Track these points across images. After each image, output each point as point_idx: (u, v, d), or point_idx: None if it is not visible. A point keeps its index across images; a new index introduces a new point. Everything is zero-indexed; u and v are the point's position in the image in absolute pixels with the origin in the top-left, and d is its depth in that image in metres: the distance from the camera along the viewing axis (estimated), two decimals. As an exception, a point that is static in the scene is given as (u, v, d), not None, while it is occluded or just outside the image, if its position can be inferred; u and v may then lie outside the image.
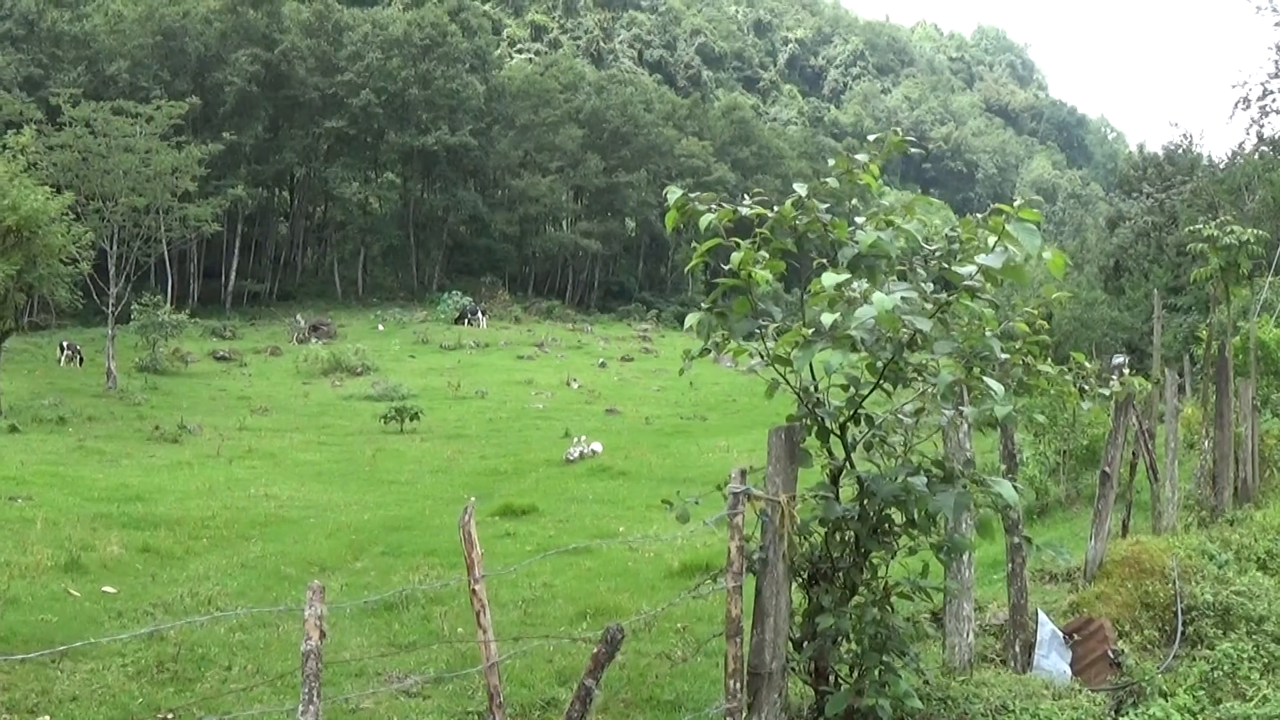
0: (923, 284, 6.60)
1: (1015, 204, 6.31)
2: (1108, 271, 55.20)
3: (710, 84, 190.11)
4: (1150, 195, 57.97)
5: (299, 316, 76.73)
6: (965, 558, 8.52)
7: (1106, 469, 11.04)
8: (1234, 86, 72.09)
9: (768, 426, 6.81)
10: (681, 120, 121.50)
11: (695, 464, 27.55)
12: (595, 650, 5.29)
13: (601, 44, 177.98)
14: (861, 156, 6.87)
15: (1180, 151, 62.13)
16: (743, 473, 6.36)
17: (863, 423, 7.04)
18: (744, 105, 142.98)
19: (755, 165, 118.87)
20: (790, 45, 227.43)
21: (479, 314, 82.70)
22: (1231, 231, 16.54)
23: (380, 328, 77.76)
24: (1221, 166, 52.35)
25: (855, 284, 6.47)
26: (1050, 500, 18.47)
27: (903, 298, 6.12)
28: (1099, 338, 44.12)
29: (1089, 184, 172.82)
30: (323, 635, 4.51)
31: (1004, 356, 6.67)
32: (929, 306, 6.46)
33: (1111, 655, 9.13)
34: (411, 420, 37.95)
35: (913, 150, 7.23)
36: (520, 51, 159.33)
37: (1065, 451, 19.15)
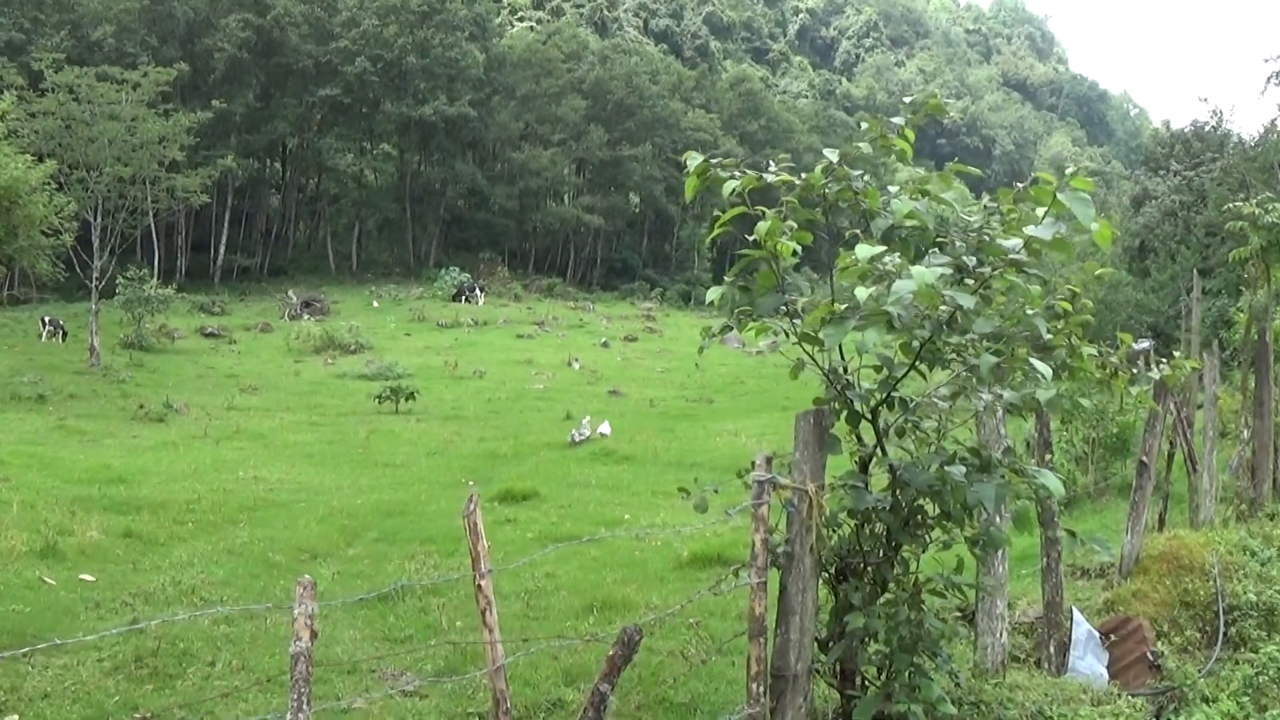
0: (963, 257, 6.35)
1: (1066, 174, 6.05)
2: (1132, 252, 54.80)
3: (718, 55, 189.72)
4: (1178, 173, 57.56)
5: (290, 292, 76.64)
6: (1000, 553, 8.30)
7: (1144, 458, 10.79)
8: (1266, 60, 71.70)
9: (778, 410, 6.66)
10: (688, 92, 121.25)
11: (703, 449, 27.36)
12: (611, 653, 5.05)
13: (605, 12, 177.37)
14: (897, 120, 6.61)
15: (1209, 128, 61.69)
16: (768, 459, 6.13)
17: (896, 407, 6.81)
18: (753, 77, 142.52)
19: (764, 139, 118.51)
20: (801, 15, 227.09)
21: (477, 291, 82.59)
22: (1274, 209, 16.25)
23: (375, 304, 77.64)
24: (1253, 144, 51.93)
25: (889, 257, 6.23)
26: (1078, 491, 18.21)
27: (943, 272, 5.87)
28: (1123, 320, 43.78)
29: (1110, 161, 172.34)
30: (313, 635, 4.25)
31: (1048, 336, 6.42)
32: (970, 282, 6.20)
33: (1150, 657, 8.90)
34: (407, 400, 37.79)
35: (948, 115, 7.00)
36: (521, 19, 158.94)
37: (1093, 439, 18.88)
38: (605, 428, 30.01)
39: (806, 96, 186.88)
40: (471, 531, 5.31)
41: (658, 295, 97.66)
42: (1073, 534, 7.06)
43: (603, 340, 65.89)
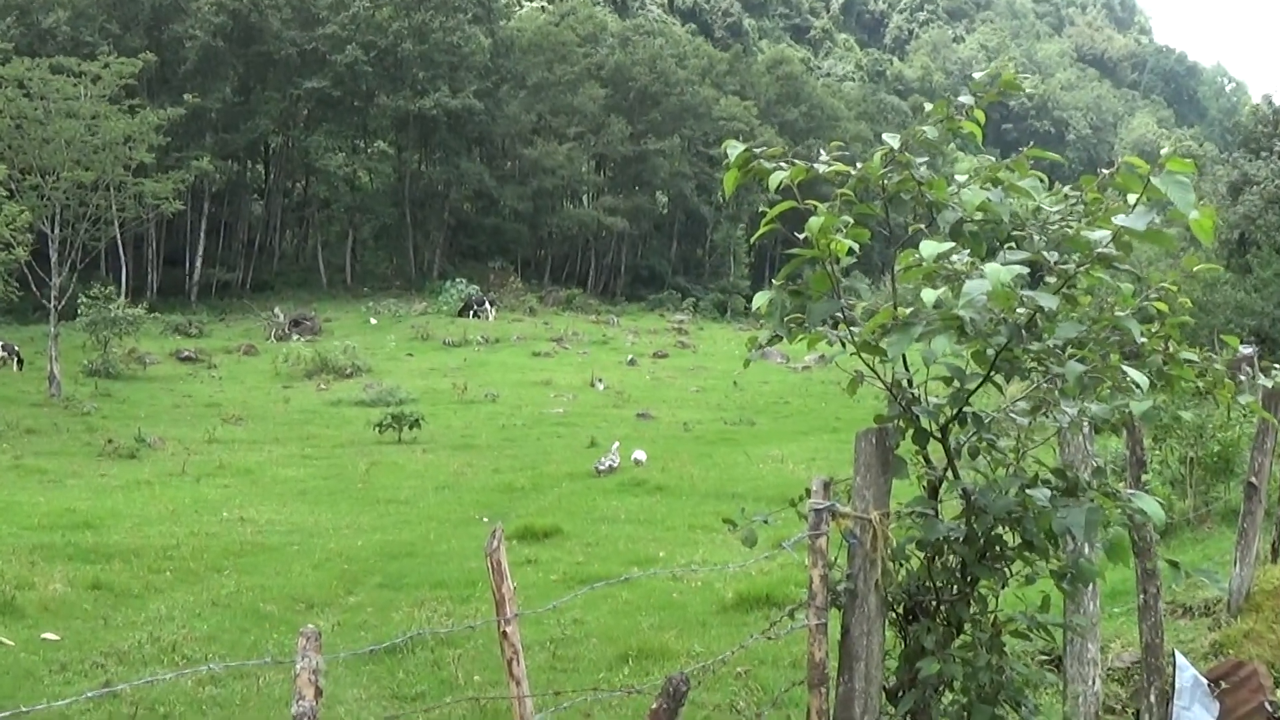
0: (1045, 253, 6.32)
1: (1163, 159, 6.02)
2: (1230, 245, 54.49)
3: (753, 34, 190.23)
4: (1283, 155, 57.28)
5: (277, 310, 76.94)
6: (1091, 588, 8.25)
7: (1253, 479, 10.72)
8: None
9: (828, 432, 6.64)
10: (720, 77, 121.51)
11: (744, 477, 27.34)
12: (654, 707, 5.02)
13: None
14: (965, 99, 6.58)
15: (1319, 103, 61.42)
16: (825, 485, 6.11)
17: (969, 423, 6.78)
18: (792, 59, 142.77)
19: (806, 128, 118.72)
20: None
21: (487, 305, 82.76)
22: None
23: (373, 321, 77.90)
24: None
25: (958, 255, 6.20)
26: (1175, 518, 18.09)
27: (1020, 271, 5.84)
28: (1222, 323, 43.42)
29: (1203, 144, 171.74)
30: (318, 693, 4.25)
31: (1142, 340, 6.38)
32: (1052, 280, 6.17)
33: (1269, 708, 8.81)
34: (411, 429, 37.91)
35: (1023, 93, 6.96)
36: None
37: (1191, 459, 18.74)
38: (640, 454, 30.02)
39: (853, 79, 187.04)
40: (495, 571, 5.31)
41: (690, 306, 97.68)
42: (1175, 565, 7.01)
43: (629, 357, 65.94)
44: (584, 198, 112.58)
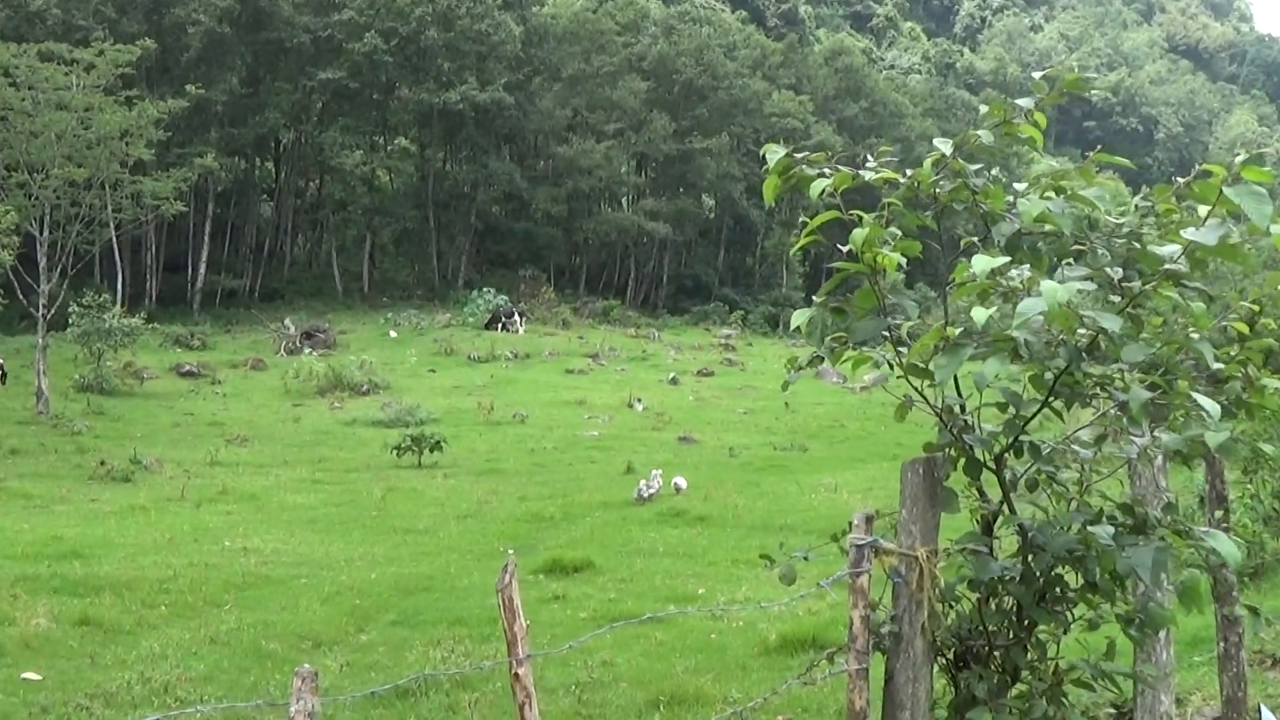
0: (1109, 269, 6.36)
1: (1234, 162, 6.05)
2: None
3: (809, 22, 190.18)
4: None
5: (288, 321, 77.35)
6: (1163, 634, 8.25)
7: (1345, 516, 10.70)
8: None
9: (888, 459, 6.67)
10: (773, 69, 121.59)
11: (794, 507, 27.32)
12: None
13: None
14: (1025, 102, 6.63)
15: None
16: (868, 518, 6.17)
17: (1025, 453, 6.82)
18: (852, 49, 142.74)
19: (867, 126, 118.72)
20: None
21: (516, 317, 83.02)
22: None
23: (392, 334, 78.26)
24: None
25: (1015, 270, 6.26)
26: (1267, 558, 17.99)
27: (1081, 287, 5.87)
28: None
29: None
30: (317, 736, 4.35)
31: (1217, 366, 6.40)
32: (1116, 299, 6.21)
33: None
34: (432, 451, 38.02)
35: (1091, 93, 7.00)
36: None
37: (1283, 493, 18.64)
38: (680, 481, 30.06)
39: (919, 72, 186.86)
40: (507, 609, 5.40)
41: (738, 319, 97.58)
42: (1255, 611, 7.02)
43: (671, 375, 66.01)
44: (623, 200, 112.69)
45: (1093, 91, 6.79)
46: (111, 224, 57.15)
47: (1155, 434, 6.86)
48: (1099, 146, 6.80)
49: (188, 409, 50.41)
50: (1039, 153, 6.83)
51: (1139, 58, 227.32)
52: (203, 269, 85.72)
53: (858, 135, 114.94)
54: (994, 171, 6.69)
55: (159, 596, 17.98)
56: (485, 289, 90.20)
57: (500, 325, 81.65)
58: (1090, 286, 6.05)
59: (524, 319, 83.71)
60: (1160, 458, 7.89)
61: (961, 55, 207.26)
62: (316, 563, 21.51)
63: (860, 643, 6.15)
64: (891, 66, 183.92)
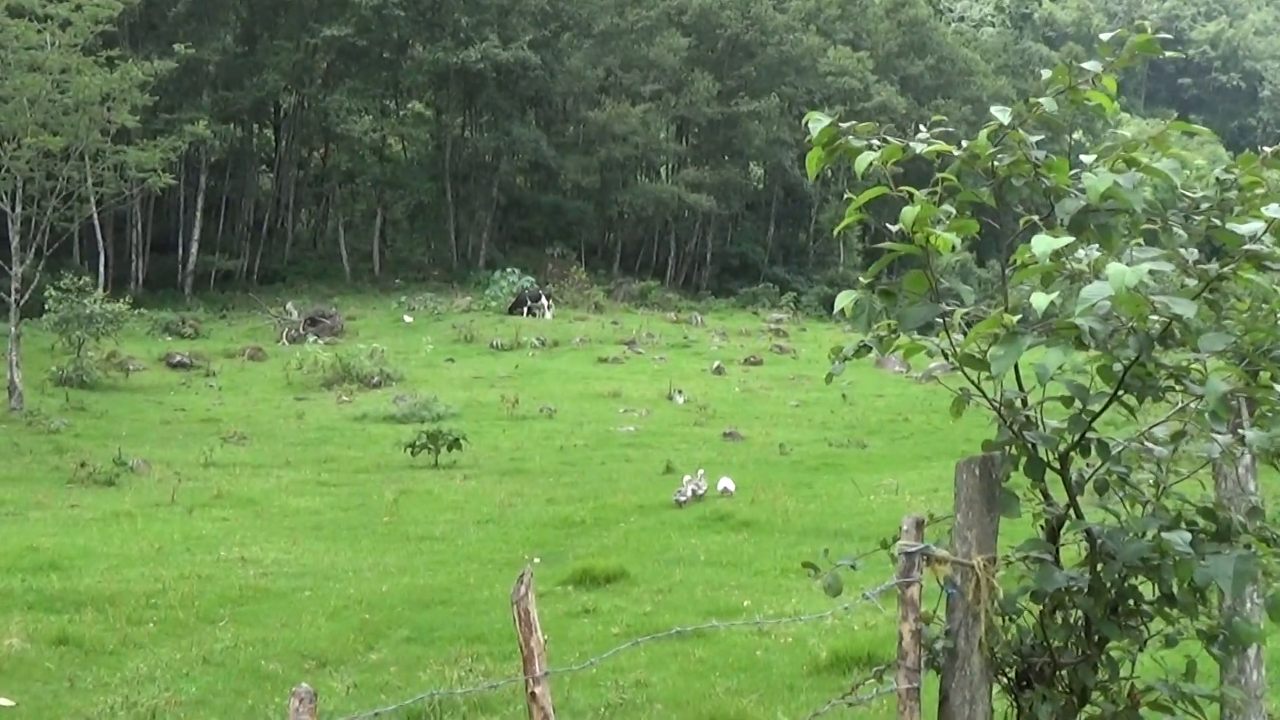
0: (1182, 249, 6.41)
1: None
2: None
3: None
4: None
5: (290, 306, 77.47)
6: (1252, 652, 8.29)
7: None
8: None
9: (955, 457, 6.68)
10: (829, 23, 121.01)
11: (851, 511, 27.28)
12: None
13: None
14: (1092, 65, 6.68)
15: None
16: (919, 523, 6.24)
17: (1093, 452, 6.86)
18: (917, 1, 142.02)
19: (933, 86, 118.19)
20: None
21: (544, 300, 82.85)
22: None
23: (408, 319, 78.27)
24: None
25: (1081, 251, 6.31)
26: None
27: (1152, 270, 5.89)
28: None
29: None
30: (317, 760, 4.47)
31: (1308, 356, 6.45)
32: (1192, 282, 6.26)
33: None
34: (450, 450, 38.02)
35: (1167, 55, 7.04)
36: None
37: (1390, 496, 18.65)
38: (728, 483, 30.04)
39: (992, 24, 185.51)
40: (522, 621, 5.51)
41: (790, 302, 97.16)
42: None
43: (715, 364, 65.90)
44: (662, 170, 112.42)
45: (1159, 54, 6.80)
46: (92, 199, 56.92)
47: (1240, 431, 6.91)
48: (1194, 108, 6.85)
49: (178, 404, 50.45)
50: (1121, 115, 6.84)
51: (1242, 6, 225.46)
52: (194, 249, 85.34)
53: (923, 96, 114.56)
54: (1076, 136, 6.74)
55: (146, 612, 18.03)
56: (509, 269, 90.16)
57: (526, 309, 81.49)
58: (1164, 268, 6.05)
59: (552, 302, 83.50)
60: (1248, 457, 7.90)
61: (1039, 5, 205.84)
62: (321, 574, 21.59)
63: (911, 660, 6.21)
64: (961, 19, 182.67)
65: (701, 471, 30.54)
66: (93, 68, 52.37)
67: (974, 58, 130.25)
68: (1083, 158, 6.66)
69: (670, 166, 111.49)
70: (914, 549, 6.19)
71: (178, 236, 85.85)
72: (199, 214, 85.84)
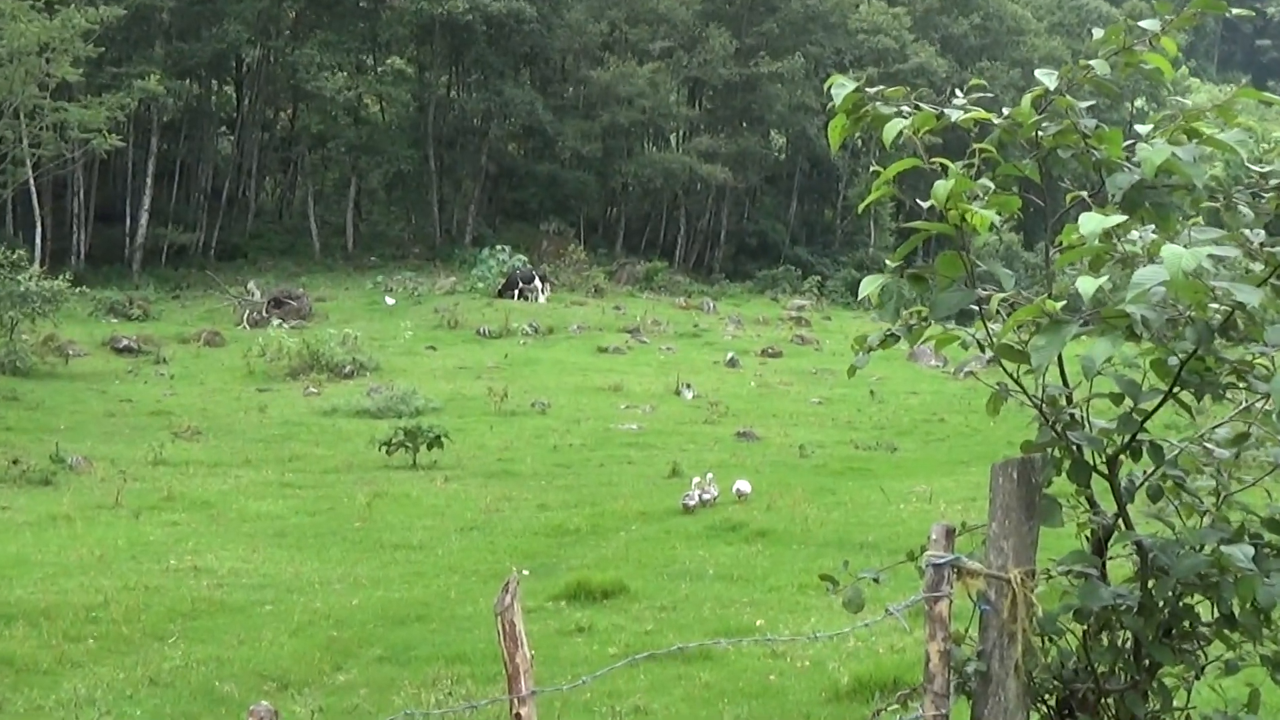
0: (1247, 230, 6.43)
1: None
2: None
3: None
4: None
5: (252, 285, 77.40)
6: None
7: None
8: None
9: (994, 462, 6.68)
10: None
11: (878, 521, 27.31)
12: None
13: None
14: (1149, 24, 6.69)
15: None
16: (949, 531, 6.27)
17: (1145, 455, 6.89)
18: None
19: (978, 46, 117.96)
20: None
21: (538, 282, 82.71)
22: None
23: (390, 301, 78.27)
24: None
25: (1135, 232, 6.34)
26: None
27: (1213, 253, 5.88)
28: None
29: None
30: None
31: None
32: (1259, 267, 6.29)
33: None
34: (430, 448, 37.98)
35: (1235, 13, 7.06)
36: None
37: None
38: (743, 485, 30.05)
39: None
40: (507, 635, 5.55)
41: (813, 287, 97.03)
42: None
43: (729, 356, 65.90)
44: (672, 138, 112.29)
45: (1226, 11, 6.81)
46: (29, 162, 56.77)
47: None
48: (1271, 73, 6.85)
49: (125, 394, 50.35)
50: (1169, 83, 6.84)
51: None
52: (144, 219, 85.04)
53: (966, 58, 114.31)
54: (1137, 104, 6.77)
55: (86, 628, 18.04)
56: (498, 247, 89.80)
57: (517, 292, 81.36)
58: (1228, 252, 6.06)
59: (547, 284, 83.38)
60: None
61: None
62: (285, 585, 21.60)
63: (939, 683, 6.22)
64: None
65: (711, 475, 30.53)
66: (29, 13, 52.15)
67: (1024, 15, 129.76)
68: (1139, 128, 6.66)
69: (681, 134, 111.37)
70: (943, 560, 6.22)
71: (125, 206, 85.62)
72: (149, 180, 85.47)
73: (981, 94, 6.75)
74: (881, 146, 6.47)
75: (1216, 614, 6.75)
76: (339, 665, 16.40)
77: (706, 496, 29.08)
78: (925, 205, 6.41)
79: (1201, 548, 6.69)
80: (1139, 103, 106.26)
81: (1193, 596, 6.79)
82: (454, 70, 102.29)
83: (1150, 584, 6.75)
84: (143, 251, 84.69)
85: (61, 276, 57.11)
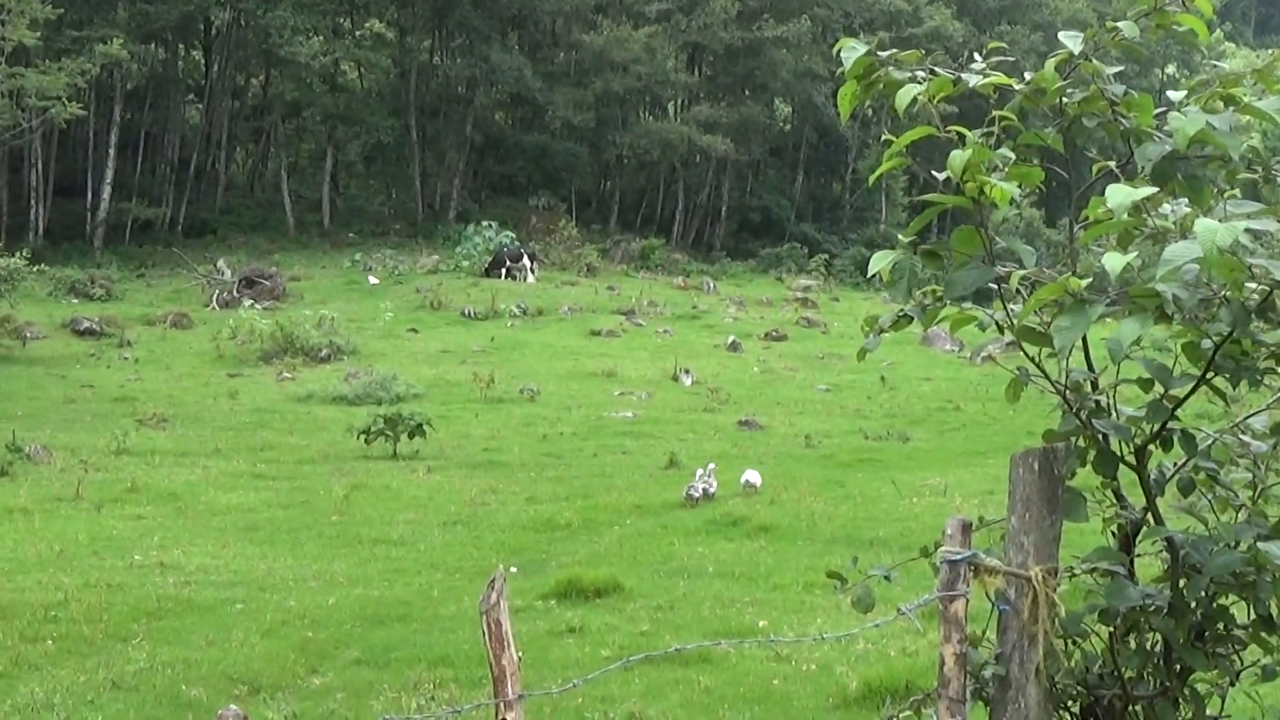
0: (1285, 205, 6.40)
1: None
2: None
3: None
4: None
5: (221, 263, 77.41)
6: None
7: None
8: None
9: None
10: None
11: (889, 516, 27.32)
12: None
13: None
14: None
15: None
16: (965, 526, 6.24)
17: (1177, 446, 6.86)
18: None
19: (997, 9, 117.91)
20: None
21: (526, 261, 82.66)
22: None
23: (373, 280, 78.26)
24: None
25: (1167, 205, 6.31)
26: None
27: (1250, 228, 5.83)
28: None
29: None
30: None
31: None
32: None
33: None
34: (412, 437, 37.98)
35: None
36: None
37: None
38: (752, 476, 30.03)
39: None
40: (493, 635, 5.53)
41: (821, 266, 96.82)
42: None
43: (730, 339, 65.95)
44: (670, 107, 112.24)
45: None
46: (-21, 132, 56.81)
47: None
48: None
49: (86, 379, 50.38)
50: (1203, 46, 6.82)
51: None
52: (107, 193, 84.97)
53: (984, 21, 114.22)
54: (1169, 69, 6.74)
55: (44, 628, 18.04)
56: (484, 223, 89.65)
57: (504, 271, 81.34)
58: (1266, 226, 6.02)
59: (536, 263, 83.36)
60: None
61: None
62: (256, 583, 21.60)
63: (954, 689, 6.20)
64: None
65: (713, 466, 30.50)
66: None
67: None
68: (1170, 94, 6.63)
69: (680, 102, 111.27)
70: (959, 557, 6.18)
71: (86, 179, 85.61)
72: (112, 152, 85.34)
73: (1001, 58, 6.71)
74: (894, 116, 6.41)
75: (1252, 615, 6.73)
76: (314, 668, 16.37)
77: (710, 490, 29.06)
78: (940, 177, 6.38)
79: (1236, 544, 6.67)
80: (1170, 69, 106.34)
81: (1227, 597, 6.77)
82: (437, 34, 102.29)
83: (1181, 583, 6.72)
84: (105, 227, 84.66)
85: (18, 254, 57.17)
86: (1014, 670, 6.34)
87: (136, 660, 16.47)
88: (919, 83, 6.43)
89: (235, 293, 71.38)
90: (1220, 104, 6.38)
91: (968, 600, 6.26)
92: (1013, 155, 6.42)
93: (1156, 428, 6.73)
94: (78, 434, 39.09)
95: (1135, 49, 6.63)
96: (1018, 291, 6.40)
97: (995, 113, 6.48)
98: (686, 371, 55.24)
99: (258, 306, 67.43)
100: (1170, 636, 6.76)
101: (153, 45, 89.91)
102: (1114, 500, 6.94)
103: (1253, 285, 6.07)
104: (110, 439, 37.65)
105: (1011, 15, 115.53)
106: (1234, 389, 6.74)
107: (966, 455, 37.22)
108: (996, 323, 6.66)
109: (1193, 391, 6.65)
